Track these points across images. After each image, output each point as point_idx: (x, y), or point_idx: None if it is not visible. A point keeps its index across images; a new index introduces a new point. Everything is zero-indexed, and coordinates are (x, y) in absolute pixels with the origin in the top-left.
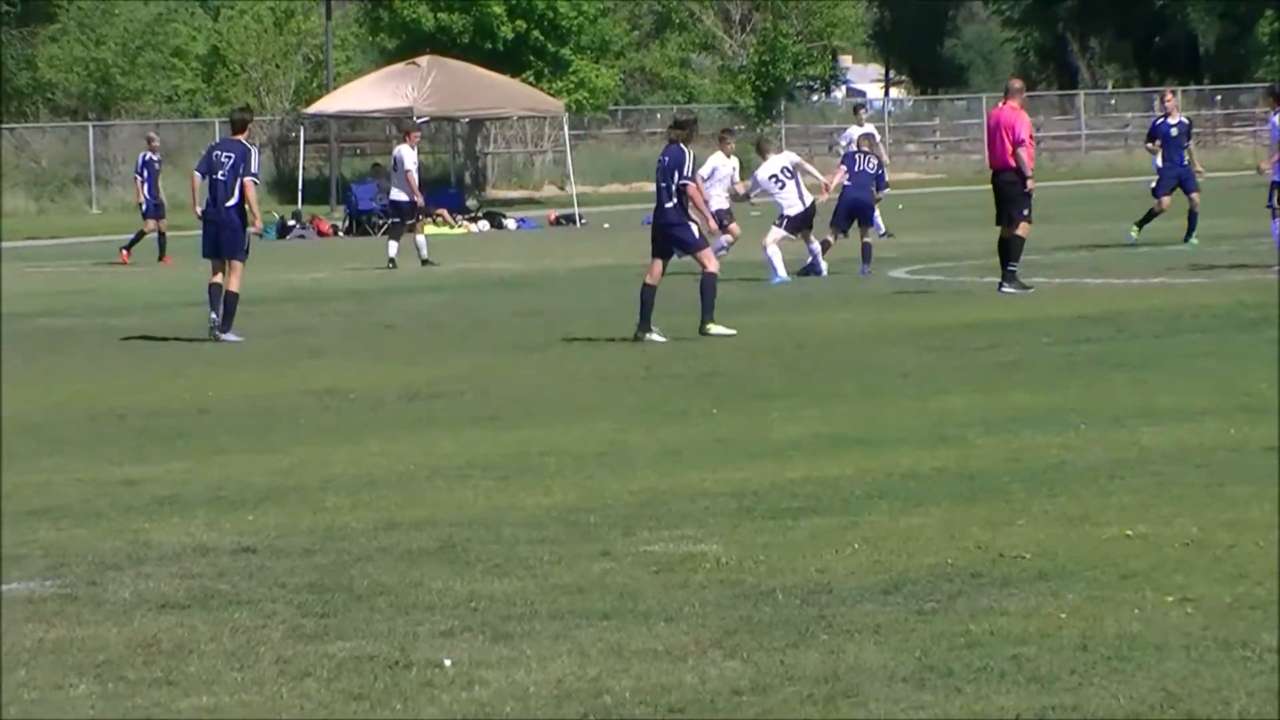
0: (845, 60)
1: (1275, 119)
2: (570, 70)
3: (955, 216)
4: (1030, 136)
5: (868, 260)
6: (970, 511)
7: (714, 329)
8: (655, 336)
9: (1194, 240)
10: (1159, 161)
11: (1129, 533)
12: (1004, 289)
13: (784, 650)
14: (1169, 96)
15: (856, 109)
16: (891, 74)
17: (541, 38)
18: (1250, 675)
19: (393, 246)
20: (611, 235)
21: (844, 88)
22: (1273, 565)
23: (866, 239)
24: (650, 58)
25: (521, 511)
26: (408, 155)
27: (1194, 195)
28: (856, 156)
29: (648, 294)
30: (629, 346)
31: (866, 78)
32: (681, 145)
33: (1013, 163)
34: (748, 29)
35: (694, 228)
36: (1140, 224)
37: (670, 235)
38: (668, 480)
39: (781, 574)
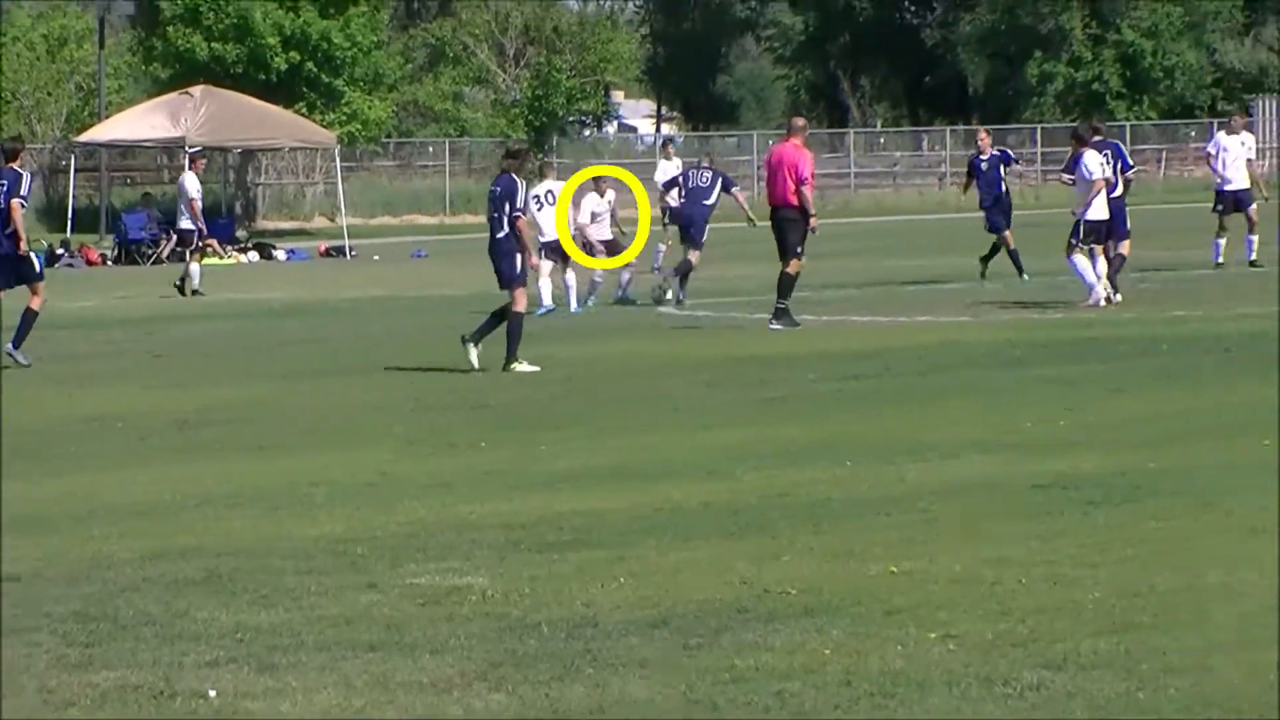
0: (618, 95)
1: (1083, 160)
2: (343, 102)
3: (725, 252)
4: (812, 174)
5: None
6: (737, 546)
7: (516, 367)
8: (522, 368)
9: (1025, 277)
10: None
11: (894, 569)
12: (772, 325)
13: (549, 684)
14: (983, 135)
15: (665, 144)
16: (664, 110)
17: (315, 69)
18: (1011, 713)
19: (195, 273)
20: (382, 267)
21: (616, 123)
22: (1034, 602)
23: (689, 257)
24: (423, 90)
25: (289, 542)
26: (190, 183)
27: (1006, 232)
28: (691, 173)
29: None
30: (399, 377)
31: (639, 113)
32: (513, 175)
33: (794, 200)
34: (521, 63)
35: (518, 262)
36: (984, 260)
37: (495, 264)
38: (436, 512)
39: (548, 607)
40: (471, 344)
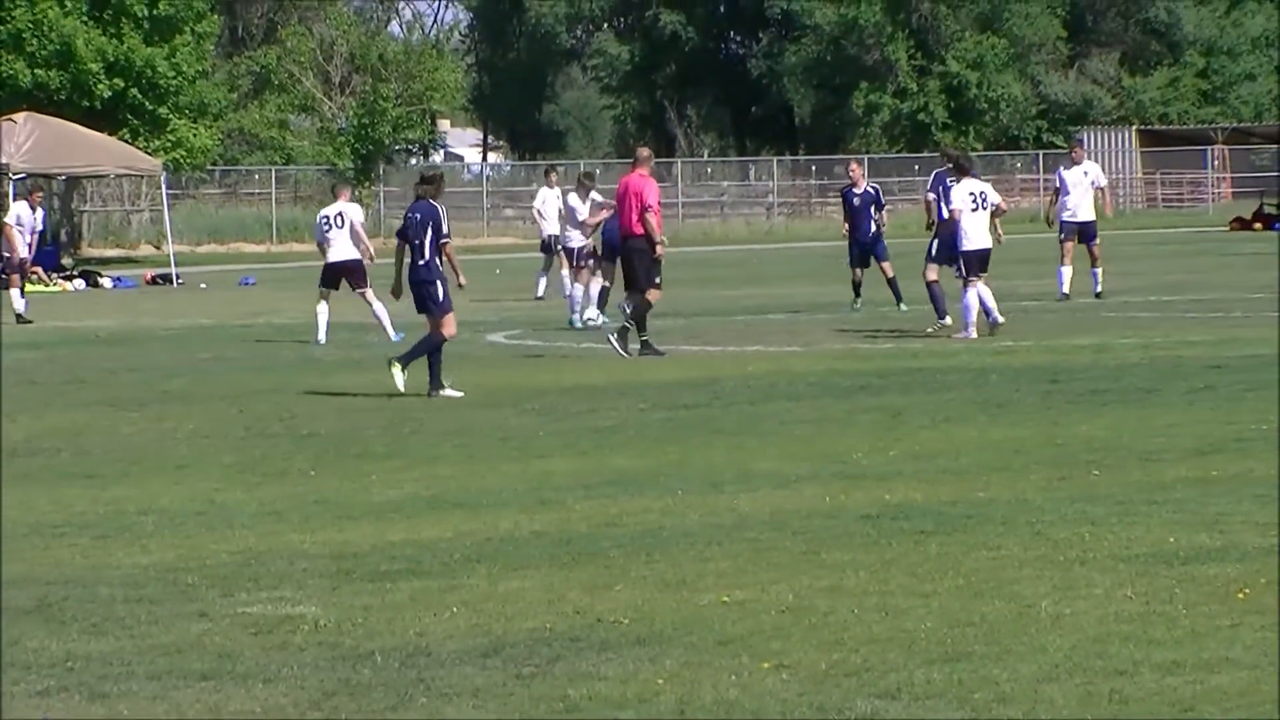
0: (444, 124)
1: (951, 191)
2: (168, 129)
3: (552, 281)
4: (658, 203)
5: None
6: (569, 575)
7: (396, 370)
8: (399, 374)
9: (903, 306)
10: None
11: (726, 599)
12: (641, 353)
13: (383, 713)
14: (854, 166)
15: (548, 172)
16: (490, 138)
17: (140, 96)
18: None
19: (18, 300)
20: (209, 295)
21: (442, 151)
22: (867, 632)
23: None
24: (249, 118)
25: (119, 571)
26: (23, 213)
27: (885, 264)
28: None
29: (439, 350)
30: (229, 405)
31: (465, 142)
32: (432, 201)
33: (641, 229)
34: (347, 91)
35: (442, 288)
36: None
37: (421, 290)
38: (267, 541)
39: (381, 636)
40: (397, 365)
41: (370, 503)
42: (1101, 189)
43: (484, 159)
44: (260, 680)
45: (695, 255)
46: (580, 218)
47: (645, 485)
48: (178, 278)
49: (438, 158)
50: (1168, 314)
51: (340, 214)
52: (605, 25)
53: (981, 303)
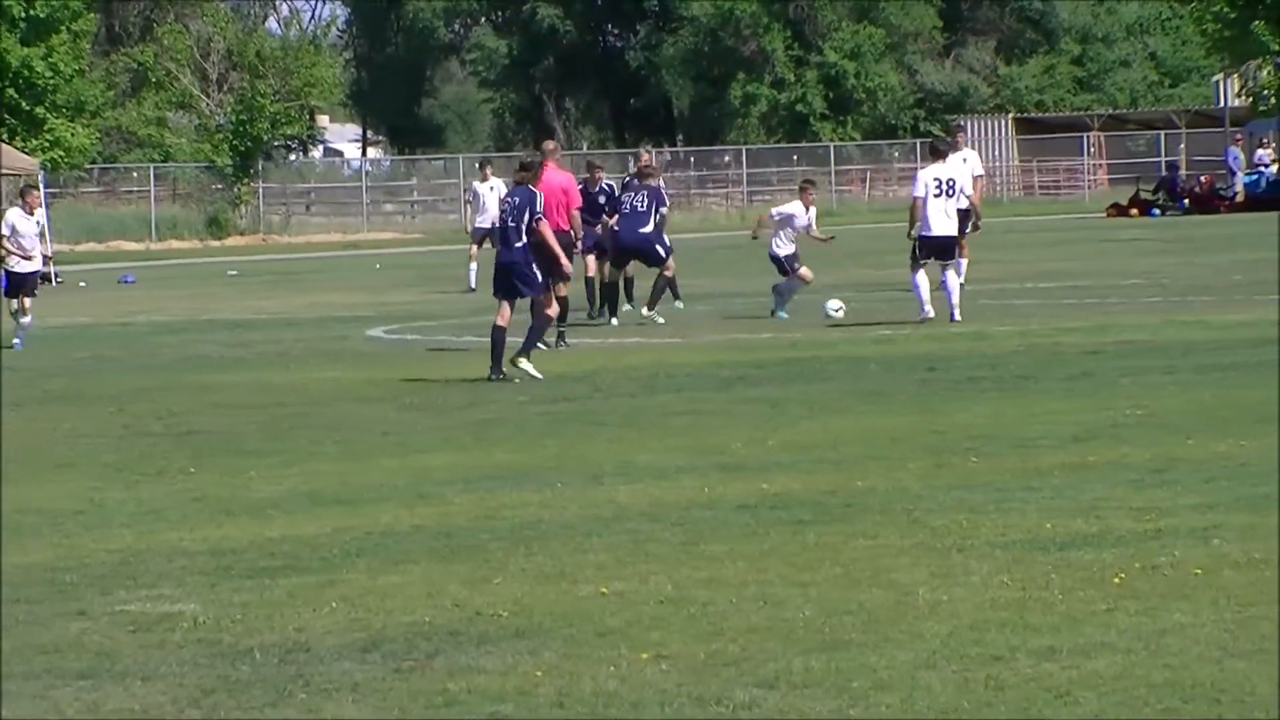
0: (323, 120)
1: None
2: (45, 129)
3: (433, 275)
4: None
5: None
6: (449, 569)
7: (524, 364)
8: (529, 368)
9: (680, 304)
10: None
11: (605, 590)
12: (560, 345)
13: (262, 709)
14: (644, 154)
15: (482, 165)
16: (369, 134)
17: (16, 96)
18: None
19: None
20: (88, 294)
21: (322, 147)
22: (745, 622)
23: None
24: (127, 116)
25: None
26: (17, 222)
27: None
28: (626, 196)
29: (498, 335)
30: (108, 404)
31: (345, 137)
32: (530, 187)
33: (566, 225)
34: (225, 88)
35: (538, 271)
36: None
37: (516, 274)
38: (146, 539)
39: (260, 633)
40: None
41: (249, 499)
42: (977, 178)
43: (363, 154)
44: (139, 678)
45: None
46: None
47: (525, 479)
48: (57, 276)
49: (317, 154)
50: (1045, 301)
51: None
52: (483, 19)
53: (944, 287)
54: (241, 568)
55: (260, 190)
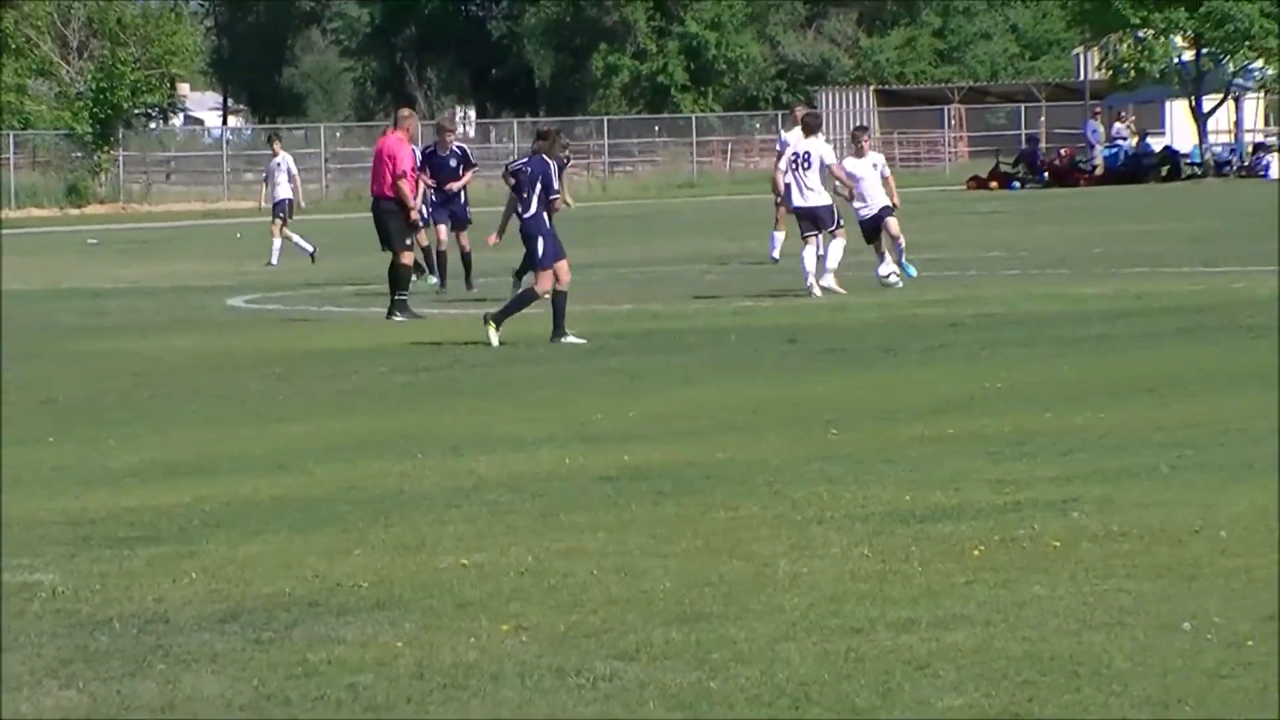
0: (184, 88)
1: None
2: None
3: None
4: (413, 168)
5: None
6: (308, 540)
7: (568, 338)
8: (572, 339)
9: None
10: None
11: (465, 562)
12: (395, 317)
13: (120, 680)
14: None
15: (271, 139)
16: (230, 102)
17: None
18: (584, 703)
19: None
20: None
21: (182, 115)
22: (605, 594)
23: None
24: None
25: None
26: None
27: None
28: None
29: (559, 299)
30: None
31: (205, 105)
32: (544, 156)
33: (392, 193)
34: (85, 55)
35: (544, 242)
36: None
37: (529, 244)
38: (3, 508)
39: (118, 603)
40: (492, 324)
41: (108, 469)
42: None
43: (224, 123)
44: None
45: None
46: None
47: (385, 449)
48: None
49: (177, 121)
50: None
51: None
52: None
53: (820, 261)
54: (100, 537)
55: (120, 158)
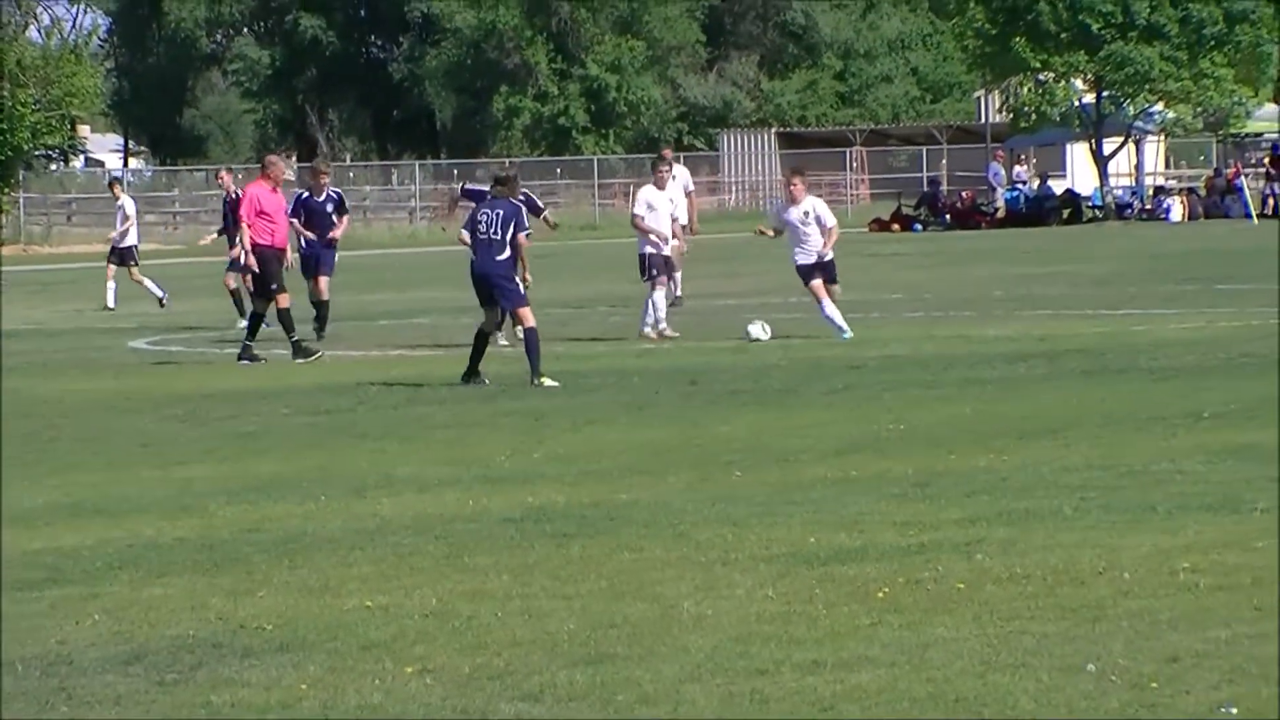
0: (85, 129)
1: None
2: None
3: (191, 287)
4: (254, 213)
5: None
6: (212, 582)
7: (546, 382)
8: (548, 381)
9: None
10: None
11: (369, 604)
12: (298, 360)
13: None
14: (323, 170)
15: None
16: (131, 144)
17: None
18: None
19: None
20: None
21: (83, 157)
22: (510, 635)
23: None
24: None
25: None
26: None
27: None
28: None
29: (483, 343)
30: None
31: (106, 147)
32: (511, 200)
33: (261, 239)
34: None
35: (519, 283)
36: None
37: (494, 285)
38: None
39: (21, 644)
40: (541, 378)
41: (10, 510)
42: (689, 192)
43: (125, 164)
44: None
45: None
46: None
47: (288, 490)
48: None
49: (78, 163)
50: (807, 315)
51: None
52: (245, 30)
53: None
54: (3, 579)
55: (21, 200)
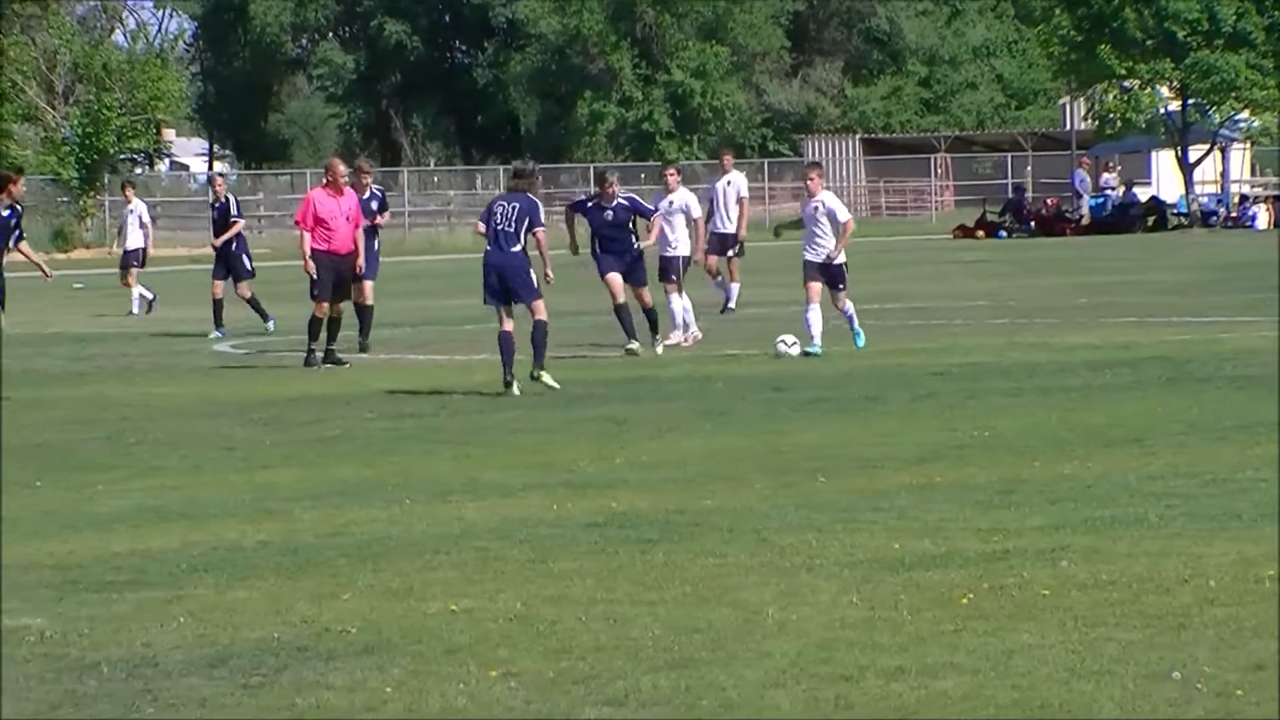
0: (170, 133)
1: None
2: None
3: (280, 292)
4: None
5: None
6: (296, 585)
7: (545, 377)
8: (549, 379)
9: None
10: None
11: (453, 607)
12: (319, 368)
13: None
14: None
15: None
16: (216, 148)
17: None
18: None
19: None
20: None
21: (168, 161)
22: (593, 640)
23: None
24: None
25: None
26: None
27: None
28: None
29: (506, 340)
30: None
31: (191, 151)
32: (529, 195)
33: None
34: (70, 100)
35: (534, 277)
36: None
37: (512, 277)
38: None
39: (106, 647)
40: (542, 373)
41: (95, 514)
42: (741, 200)
43: (209, 168)
44: None
45: (421, 265)
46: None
47: (371, 495)
48: None
49: (163, 167)
50: (890, 323)
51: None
52: (330, 34)
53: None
54: (88, 582)
55: (106, 203)
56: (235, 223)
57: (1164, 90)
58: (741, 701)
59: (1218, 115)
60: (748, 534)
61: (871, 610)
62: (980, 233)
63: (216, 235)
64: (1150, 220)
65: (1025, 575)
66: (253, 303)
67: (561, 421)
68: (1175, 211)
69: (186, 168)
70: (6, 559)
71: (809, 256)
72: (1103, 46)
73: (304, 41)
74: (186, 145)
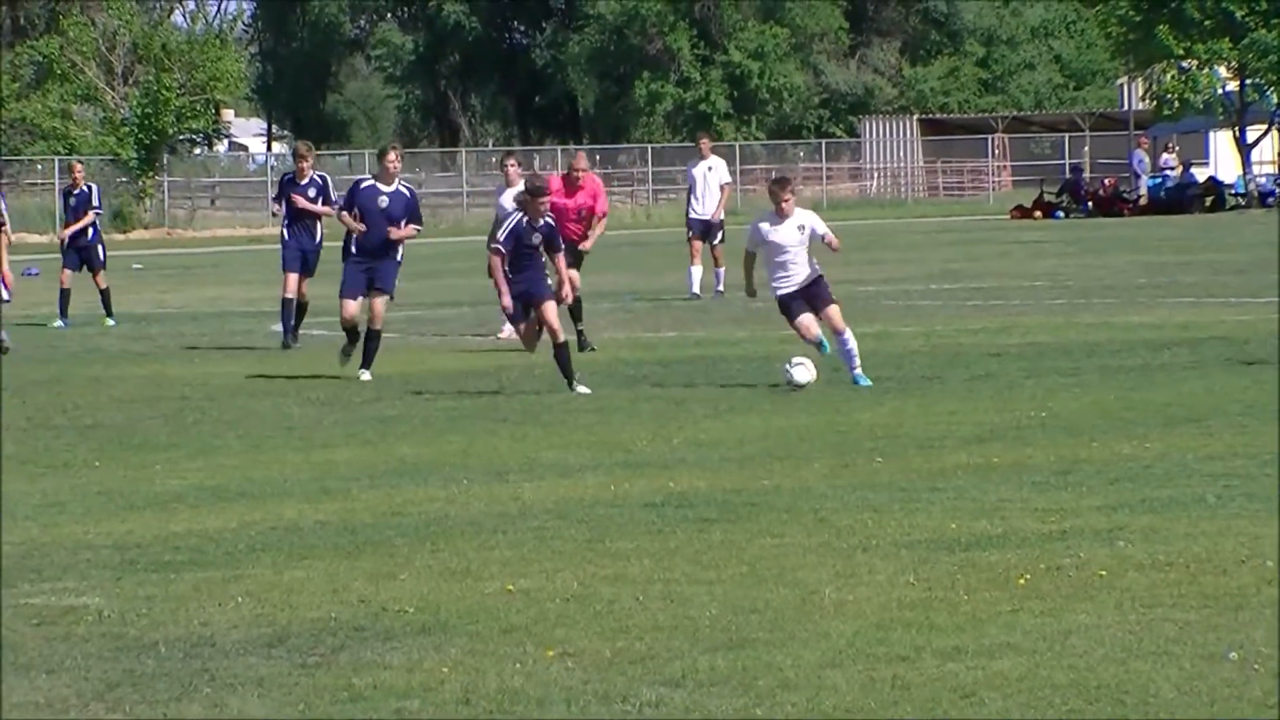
0: (228, 114)
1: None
2: None
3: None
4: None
5: None
6: (353, 565)
7: (579, 389)
8: (582, 388)
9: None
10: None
11: (511, 587)
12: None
13: (167, 703)
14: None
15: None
16: (274, 128)
17: None
18: None
19: None
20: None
21: (227, 141)
22: (651, 620)
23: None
24: (31, 108)
25: None
26: None
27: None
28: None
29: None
30: (11, 396)
31: (249, 131)
32: (548, 219)
33: None
34: (130, 81)
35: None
36: None
37: (540, 302)
38: (50, 532)
39: (164, 626)
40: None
41: (153, 493)
42: (724, 186)
43: (268, 149)
44: (43, 671)
45: (479, 244)
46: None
47: (429, 474)
48: None
49: (222, 148)
50: (948, 302)
51: None
52: (388, 15)
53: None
54: (146, 561)
55: (165, 184)
56: (92, 212)
57: (1222, 70)
58: (799, 681)
59: (1275, 95)
60: (805, 514)
61: (929, 590)
62: (1038, 213)
63: (72, 223)
64: (1208, 200)
65: (1083, 555)
66: (105, 295)
67: (620, 401)
68: (1233, 192)
69: (245, 148)
70: (64, 537)
71: (783, 290)
72: (1161, 26)
73: (363, 22)
74: (245, 126)
